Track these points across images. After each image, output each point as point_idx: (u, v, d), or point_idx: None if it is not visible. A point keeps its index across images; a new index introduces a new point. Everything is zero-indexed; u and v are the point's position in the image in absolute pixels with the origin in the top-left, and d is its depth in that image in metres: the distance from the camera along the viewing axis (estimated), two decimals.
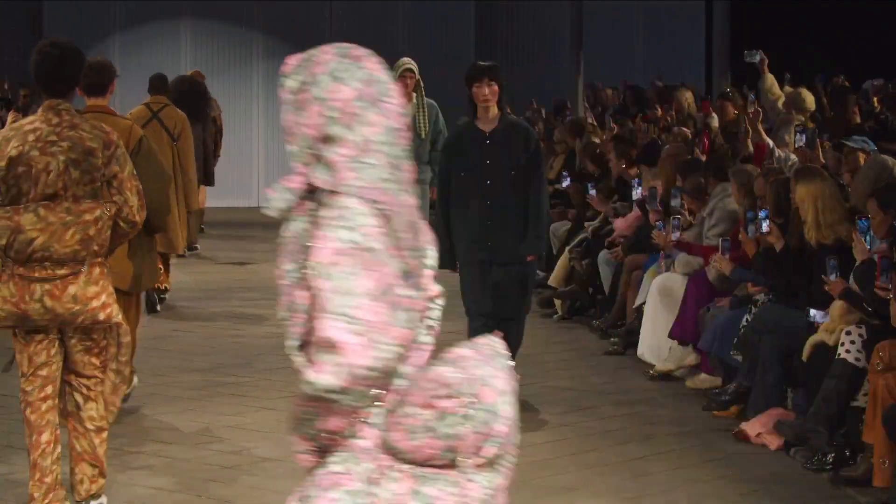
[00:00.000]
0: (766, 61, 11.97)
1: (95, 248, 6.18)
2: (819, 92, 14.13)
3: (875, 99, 15.61)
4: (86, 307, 6.21)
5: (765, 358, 8.39)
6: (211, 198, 18.28)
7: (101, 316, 6.26)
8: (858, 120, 12.66)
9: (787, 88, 12.71)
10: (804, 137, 10.04)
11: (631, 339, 10.61)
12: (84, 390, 6.43)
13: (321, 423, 3.20)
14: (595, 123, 15.87)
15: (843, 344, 7.56)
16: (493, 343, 3.38)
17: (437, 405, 3.17)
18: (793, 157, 10.20)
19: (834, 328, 7.74)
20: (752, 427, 8.16)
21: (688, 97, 15.94)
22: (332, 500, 3.19)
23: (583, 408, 9.05)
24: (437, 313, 3.41)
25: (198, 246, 16.43)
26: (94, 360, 6.40)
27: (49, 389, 6.31)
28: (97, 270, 6.25)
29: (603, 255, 11.72)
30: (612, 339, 10.94)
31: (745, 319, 8.74)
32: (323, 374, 3.06)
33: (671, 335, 9.85)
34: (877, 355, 7.20)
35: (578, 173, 13.78)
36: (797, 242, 8.40)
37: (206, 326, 11.68)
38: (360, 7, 22.92)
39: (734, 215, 9.75)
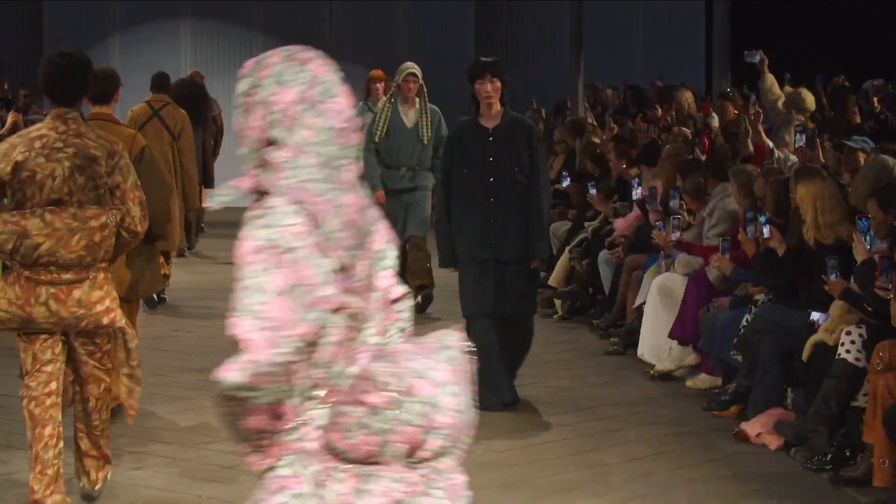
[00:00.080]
0: (766, 61, 11.97)
1: (101, 254, 6.28)
2: (819, 92, 14.13)
3: (875, 99, 15.61)
4: (90, 311, 6.30)
5: (765, 358, 8.39)
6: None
7: (105, 320, 6.37)
8: (858, 120, 12.67)
9: (787, 88, 12.71)
10: (804, 137, 10.03)
11: (631, 339, 10.60)
12: (87, 396, 6.54)
13: (244, 424, 3.21)
14: (595, 123, 15.87)
15: (843, 344, 7.56)
16: (444, 336, 3.38)
17: (366, 401, 3.19)
18: (792, 157, 10.20)
19: (834, 328, 7.74)
20: (752, 427, 8.16)
21: (688, 97, 15.95)
22: (279, 503, 3.22)
23: (583, 408, 9.05)
24: (407, 314, 3.42)
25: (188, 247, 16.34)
26: (98, 364, 6.54)
27: (53, 385, 6.38)
28: (101, 276, 6.37)
29: (603, 255, 11.72)
30: (612, 339, 10.93)
31: (745, 319, 8.74)
32: (229, 372, 3.09)
33: (671, 335, 9.85)
34: (877, 355, 7.20)
35: (578, 173, 13.77)
36: (797, 242, 8.40)
37: (206, 326, 11.68)
38: (360, 7, 22.92)
39: (734, 215, 9.75)
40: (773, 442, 8.00)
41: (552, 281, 12.43)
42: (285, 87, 3.26)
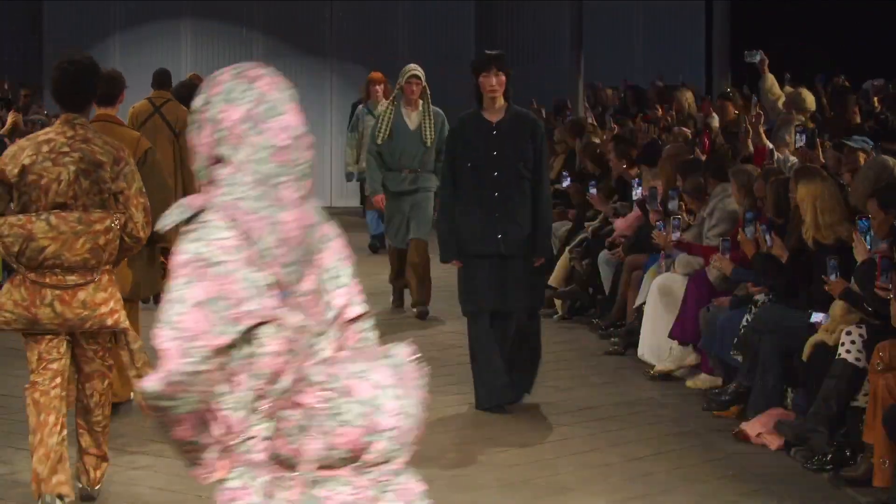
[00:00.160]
0: (766, 61, 11.97)
1: (105, 256, 6.40)
2: (819, 92, 14.13)
3: (875, 99, 15.61)
4: (94, 312, 6.42)
5: (765, 358, 8.39)
6: None
7: (109, 321, 6.49)
8: (858, 120, 12.67)
9: (787, 88, 12.70)
10: (804, 137, 10.03)
11: (631, 339, 10.60)
12: (91, 392, 6.62)
13: (172, 434, 3.27)
14: (595, 123, 15.86)
15: (843, 344, 7.56)
16: (391, 348, 3.41)
17: (302, 402, 3.22)
18: (792, 158, 10.19)
19: (834, 328, 7.74)
20: (752, 427, 8.16)
21: (688, 97, 15.95)
22: None
23: (582, 408, 9.05)
24: (369, 334, 3.46)
25: None
26: (101, 364, 6.63)
27: (58, 380, 6.52)
28: (106, 278, 6.49)
29: (603, 255, 11.72)
30: (612, 339, 10.93)
31: (745, 319, 8.74)
32: (148, 382, 3.17)
33: (671, 335, 9.84)
34: (877, 355, 7.20)
35: (578, 173, 13.77)
36: (797, 242, 8.40)
37: None
38: (360, 7, 22.92)
39: (734, 215, 9.75)
40: (773, 442, 8.00)
41: (552, 281, 12.42)
42: (233, 105, 3.30)
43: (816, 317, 7.97)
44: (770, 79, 12.15)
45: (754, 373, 8.49)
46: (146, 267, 8.22)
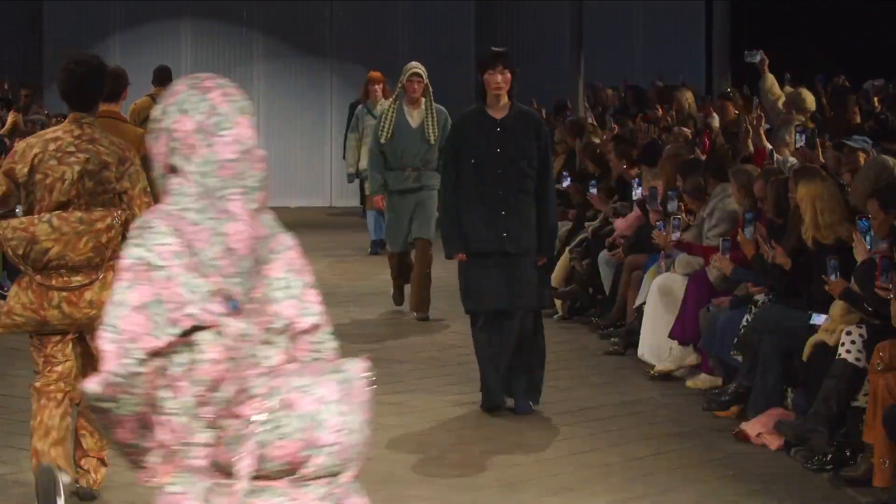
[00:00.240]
0: (766, 61, 11.96)
1: (109, 253, 6.48)
2: (819, 92, 14.13)
3: (875, 99, 15.62)
4: (101, 311, 6.41)
5: (765, 358, 8.39)
6: None
7: None
8: (858, 120, 12.67)
9: (787, 88, 12.70)
10: (804, 137, 10.03)
11: (631, 339, 10.60)
12: None
13: (112, 435, 3.32)
14: (595, 123, 15.86)
15: (843, 344, 7.56)
16: (343, 363, 3.39)
17: (241, 413, 3.24)
18: (791, 159, 10.19)
19: (834, 328, 7.74)
20: (752, 427, 8.16)
21: (688, 97, 15.95)
22: None
23: (583, 407, 9.05)
24: (325, 345, 3.44)
25: None
26: None
27: (62, 385, 6.58)
28: (111, 275, 6.53)
29: (603, 255, 11.72)
30: (612, 339, 10.93)
31: (745, 319, 8.74)
32: (89, 383, 3.23)
33: (671, 335, 9.84)
34: (877, 355, 7.20)
35: (578, 173, 13.77)
36: (797, 242, 8.40)
37: None
38: (360, 7, 22.92)
39: (734, 215, 9.75)
40: (774, 442, 8.00)
41: (552, 281, 12.42)
42: (186, 116, 3.35)
43: (817, 318, 7.97)
44: (770, 79, 12.14)
45: (754, 373, 8.49)
46: None
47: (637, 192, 11.50)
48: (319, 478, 3.30)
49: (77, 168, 6.45)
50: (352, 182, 15.68)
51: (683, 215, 10.54)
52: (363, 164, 14.19)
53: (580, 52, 19.35)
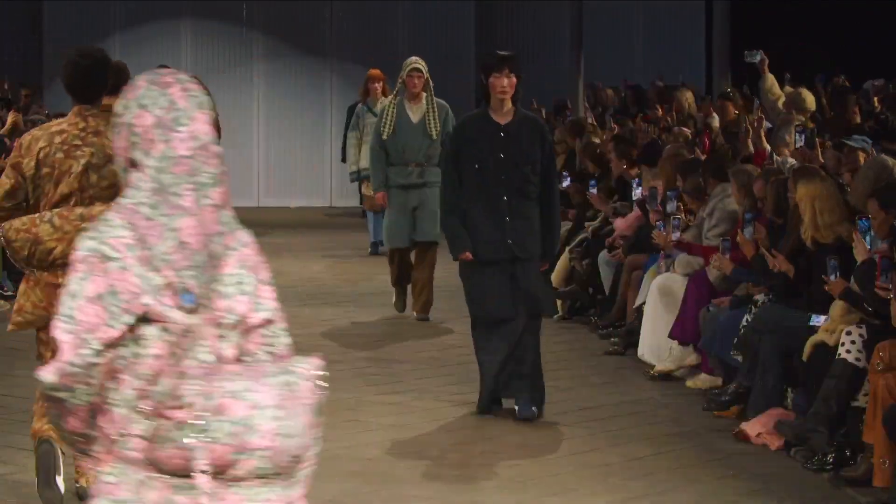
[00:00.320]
0: (766, 61, 11.97)
1: None
2: (819, 92, 14.13)
3: (875, 99, 15.62)
4: None
5: (765, 358, 8.39)
6: None
7: None
8: (858, 120, 12.67)
9: (787, 88, 12.70)
10: (804, 137, 10.03)
11: (631, 339, 10.60)
12: None
13: (63, 424, 3.36)
14: (595, 123, 15.87)
15: (843, 344, 7.56)
16: (293, 363, 3.42)
17: (171, 416, 3.29)
18: (790, 160, 10.19)
19: (834, 328, 7.75)
20: (752, 427, 8.16)
21: (688, 97, 15.95)
22: None
23: (583, 408, 9.05)
24: (278, 339, 3.48)
25: None
26: None
27: None
28: None
29: (603, 255, 11.72)
30: (612, 339, 10.93)
31: (745, 319, 8.74)
32: (44, 372, 3.28)
33: (671, 335, 9.84)
34: (877, 355, 7.20)
35: (578, 173, 13.77)
36: (796, 242, 8.40)
37: None
38: (360, 7, 22.92)
39: (734, 215, 9.75)
40: (774, 442, 8.00)
41: (552, 281, 12.43)
42: (145, 111, 3.40)
43: (817, 319, 7.97)
44: (770, 79, 12.14)
45: (754, 373, 8.49)
46: None
47: (637, 192, 11.49)
48: (247, 480, 3.33)
49: (83, 161, 6.48)
50: (354, 181, 15.62)
51: (683, 215, 10.54)
52: (363, 163, 14.17)
53: (580, 52, 19.35)
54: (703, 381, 9.55)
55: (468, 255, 8.61)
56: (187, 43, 22.96)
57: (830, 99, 13.84)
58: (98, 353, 3.27)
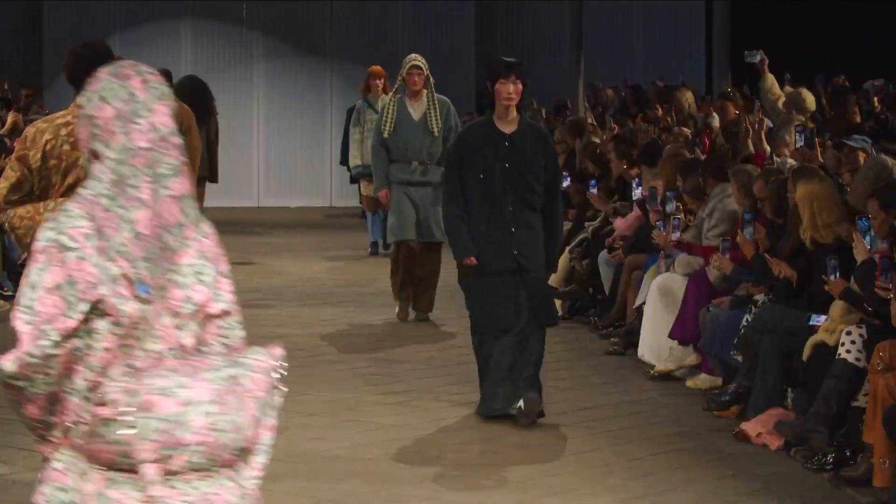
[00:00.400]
0: (767, 61, 11.97)
1: None
2: (819, 92, 14.14)
3: (875, 99, 15.62)
4: None
5: (765, 358, 8.40)
6: (211, 197, 18.28)
7: None
8: (858, 120, 12.67)
9: (787, 88, 12.71)
10: (803, 137, 10.04)
11: (631, 339, 10.60)
12: None
13: (22, 410, 3.42)
14: (595, 123, 15.87)
15: (843, 344, 7.56)
16: (245, 354, 3.45)
17: (96, 413, 3.33)
18: (790, 161, 10.19)
19: (834, 328, 7.75)
20: (752, 427, 8.16)
21: (688, 97, 15.96)
22: (41, 493, 3.43)
23: (583, 408, 9.05)
24: (234, 331, 3.51)
25: None
26: None
27: None
28: None
29: (603, 255, 11.72)
30: (612, 339, 10.93)
31: (745, 319, 8.74)
32: (4, 362, 3.32)
33: (671, 335, 9.84)
34: (877, 355, 7.20)
35: (578, 173, 13.78)
36: (796, 242, 8.40)
37: None
38: (360, 7, 22.93)
39: (734, 216, 9.75)
40: (774, 442, 8.00)
41: (552, 281, 12.41)
42: (105, 103, 3.44)
43: (816, 319, 7.97)
44: (770, 79, 12.15)
45: (754, 373, 8.49)
46: None
47: (637, 192, 11.49)
48: (181, 475, 3.36)
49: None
50: (360, 179, 15.51)
51: (683, 215, 10.54)
52: (367, 158, 14.15)
53: (580, 52, 19.36)
54: (703, 381, 9.55)
55: (472, 259, 8.58)
56: (187, 43, 22.97)
57: (830, 99, 13.85)
58: (56, 343, 3.31)
